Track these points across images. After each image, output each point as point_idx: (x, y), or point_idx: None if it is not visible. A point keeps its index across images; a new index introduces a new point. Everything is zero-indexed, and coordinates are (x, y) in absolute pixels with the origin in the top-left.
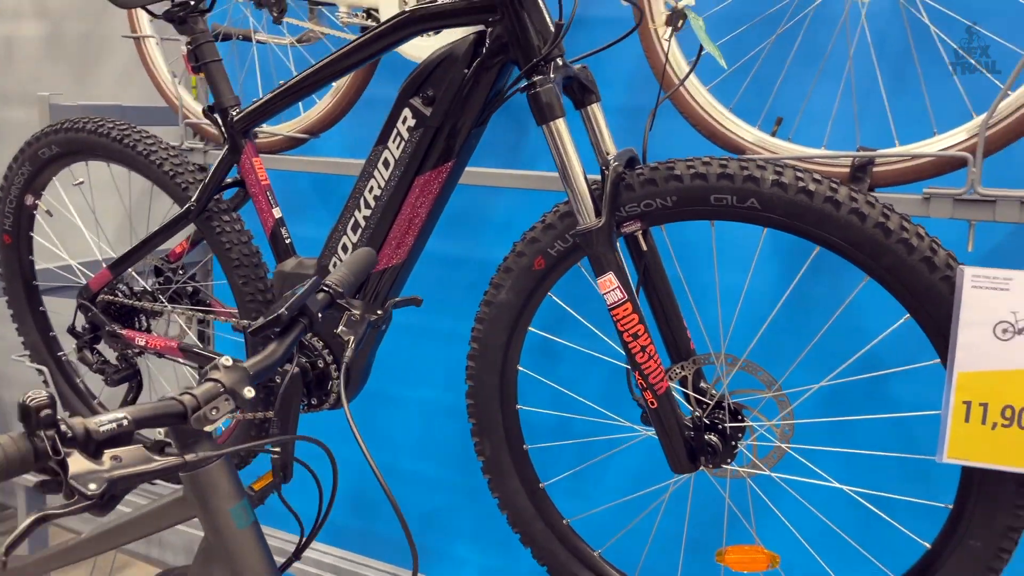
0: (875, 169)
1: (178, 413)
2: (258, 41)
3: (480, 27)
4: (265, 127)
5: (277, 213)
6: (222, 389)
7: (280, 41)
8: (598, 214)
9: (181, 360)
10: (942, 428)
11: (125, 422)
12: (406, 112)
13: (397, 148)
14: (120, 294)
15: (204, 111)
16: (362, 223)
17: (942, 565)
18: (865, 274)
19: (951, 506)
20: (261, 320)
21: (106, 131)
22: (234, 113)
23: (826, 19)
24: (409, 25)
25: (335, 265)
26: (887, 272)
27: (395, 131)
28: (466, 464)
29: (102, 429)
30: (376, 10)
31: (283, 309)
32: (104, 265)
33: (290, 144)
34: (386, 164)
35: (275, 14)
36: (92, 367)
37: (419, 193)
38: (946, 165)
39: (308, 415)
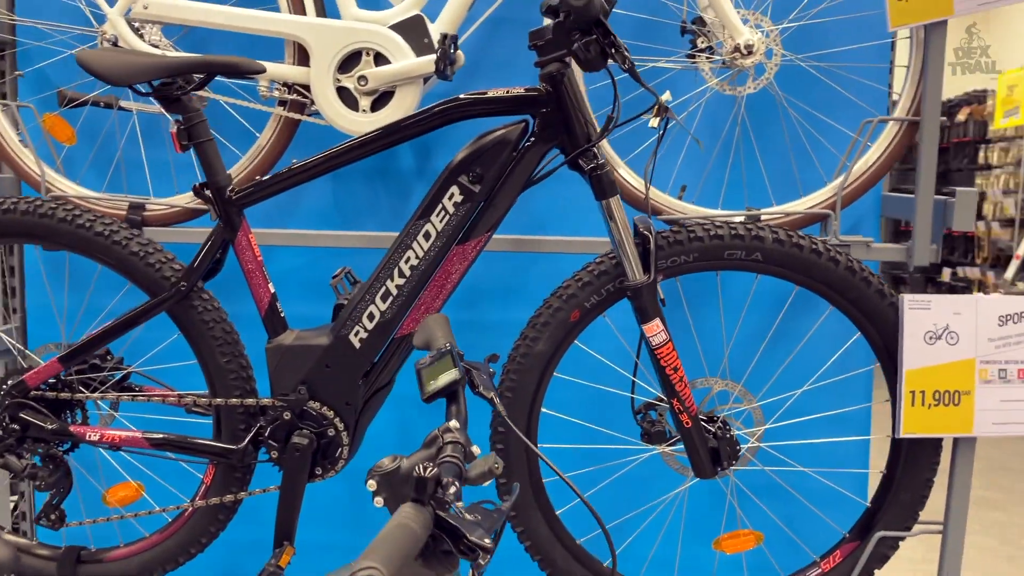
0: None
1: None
2: (122, 108)
3: (525, 116)
4: (159, 199)
5: (271, 288)
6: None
7: (149, 109)
8: (646, 271)
9: (146, 451)
10: (896, 412)
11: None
12: (454, 189)
13: (441, 221)
14: (54, 388)
15: (196, 188)
16: (394, 292)
17: (882, 517)
18: (830, 305)
19: (884, 471)
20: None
21: (48, 212)
22: (231, 191)
23: (720, 106)
24: (455, 112)
25: (357, 334)
26: (850, 303)
27: (440, 206)
28: None
29: None
30: (303, 86)
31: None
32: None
33: (189, 215)
34: (427, 236)
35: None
36: (22, 474)
37: (455, 261)
38: (813, 218)
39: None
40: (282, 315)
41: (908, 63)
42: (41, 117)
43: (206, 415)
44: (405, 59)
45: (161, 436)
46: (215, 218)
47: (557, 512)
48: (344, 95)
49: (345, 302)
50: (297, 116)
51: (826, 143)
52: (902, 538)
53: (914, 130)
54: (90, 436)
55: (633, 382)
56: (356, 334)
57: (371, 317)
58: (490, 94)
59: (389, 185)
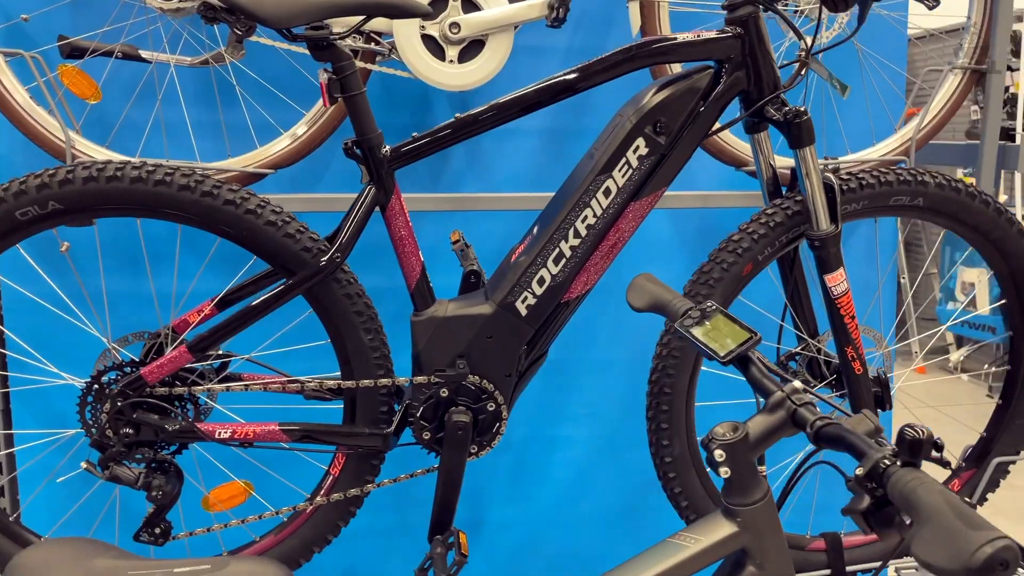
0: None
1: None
2: (143, 59)
3: (710, 64)
4: (209, 164)
5: (422, 257)
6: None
7: (181, 61)
8: (832, 220)
9: (283, 445)
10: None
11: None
12: (639, 141)
13: (623, 176)
14: (179, 382)
15: (346, 147)
16: (567, 254)
17: (996, 444)
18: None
19: (1000, 401)
20: None
21: (165, 179)
22: (386, 150)
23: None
24: (644, 57)
25: (524, 300)
26: (992, 243)
27: (623, 160)
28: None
29: None
30: (379, 33)
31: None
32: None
33: (246, 180)
34: (607, 192)
35: (240, 31)
36: (136, 485)
37: (630, 219)
38: (887, 165)
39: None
40: (431, 285)
41: (970, 14)
42: (56, 70)
43: (327, 400)
44: (497, 5)
45: (299, 427)
46: (366, 180)
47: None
48: (428, 44)
49: (475, 267)
50: (370, 66)
51: (899, 92)
52: (1014, 462)
53: (976, 78)
54: (220, 434)
55: (780, 329)
56: (523, 301)
57: (541, 282)
58: (680, 38)
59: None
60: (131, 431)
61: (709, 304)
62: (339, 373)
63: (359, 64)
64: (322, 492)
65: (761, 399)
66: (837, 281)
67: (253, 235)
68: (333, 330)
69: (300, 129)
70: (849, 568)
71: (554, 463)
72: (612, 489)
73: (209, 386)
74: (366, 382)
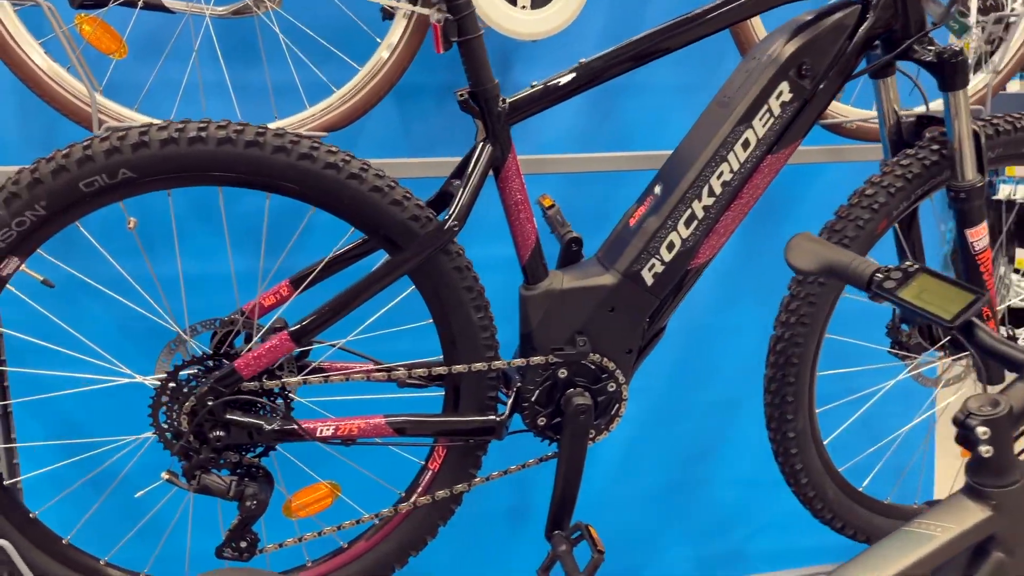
0: None
1: None
2: (167, 10)
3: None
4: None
5: (535, 224)
6: None
7: (212, 12)
8: (979, 171)
9: (388, 441)
10: None
11: None
12: (783, 86)
13: (763, 126)
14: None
15: (460, 98)
16: (700, 215)
17: None
18: None
19: None
20: None
21: (256, 140)
22: (503, 103)
23: None
24: None
25: (651, 268)
26: None
27: (765, 107)
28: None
29: None
30: None
31: None
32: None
33: None
34: (746, 144)
35: None
36: (229, 495)
37: (765, 174)
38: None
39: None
40: (544, 257)
41: None
42: (72, 20)
43: (422, 388)
44: None
45: (408, 420)
46: (482, 137)
47: (825, 441)
48: None
49: (575, 234)
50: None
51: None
52: None
53: None
54: (322, 431)
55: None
56: (651, 268)
57: (671, 247)
58: None
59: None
60: (221, 433)
61: (910, 263)
62: (431, 358)
63: (419, 10)
64: (420, 489)
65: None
66: (979, 236)
67: (356, 203)
68: (439, 308)
69: (355, 86)
70: None
71: (601, 442)
72: (660, 465)
73: (305, 377)
74: (479, 365)
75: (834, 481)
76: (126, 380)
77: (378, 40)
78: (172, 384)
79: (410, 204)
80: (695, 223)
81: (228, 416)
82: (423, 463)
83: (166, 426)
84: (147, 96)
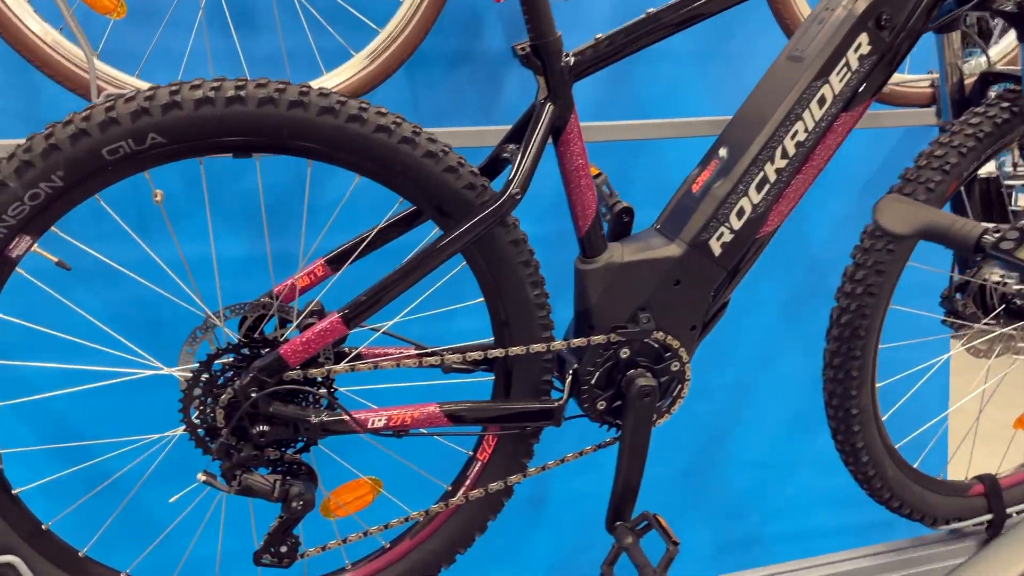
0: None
1: None
2: None
3: None
4: None
5: (595, 194)
6: None
7: None
8: None
9: (441, 431)
10: None
11: None
12: (862, 38)
13: (840, 81)
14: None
15: (521, 53)
16: (772, 178)
17: None
18: None
19: None
20: None
21: (302, 99)
22: (567, 57)
23: None
24: None
25: (720, 237)
26: None
27: (843, 61)
28: None
29: None
30: None
31: None
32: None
33: None
34: (822, 101)
35: None
36: (273, 496)
37: (838, 134)
38: None
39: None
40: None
41: None
42: None
43: (467, 373)
44: None
45: (461, 407)
46: (544, 95)
47: (884, 416)
48: None
49: (626, 204)
50: None
51: None
52: None
53: None
54: (373, 423)
55: (955, 258)
56: (719, 238)
57: (740, 214)
58: None
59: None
60: (264, 428)
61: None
62: (481, 340)
63: None
64: (469, 482)
65: None
66: None
67: (407, 171)
68: (493, 285)
69: (375, 51)
70: (1009, 509)
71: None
72: (676, 449)
73: (353, 364)
74: (538, 346)
75: (892, 458)
76: (150, 372)
77: None
78: (205, 375)
79: (465, 171)
80: (767, 187)
81: (272, 409)
82: (471, 453)
83: (198, 422)
84: (148, 63)
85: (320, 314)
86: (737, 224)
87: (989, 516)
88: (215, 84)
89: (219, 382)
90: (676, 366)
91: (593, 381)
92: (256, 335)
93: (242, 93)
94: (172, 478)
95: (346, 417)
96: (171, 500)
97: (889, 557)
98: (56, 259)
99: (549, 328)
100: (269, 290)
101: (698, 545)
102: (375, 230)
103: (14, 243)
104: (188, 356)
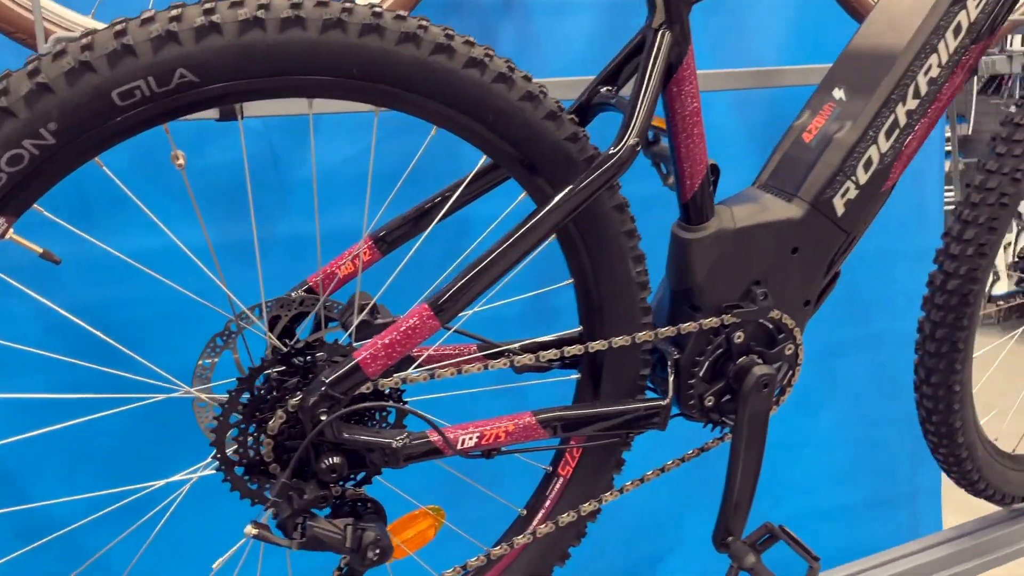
0: None
1: None
2: None
3: None
4: None
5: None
6: None
7: None
8: None
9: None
10: None
11: None
12: None
13: (977, 7)
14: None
15: None
16: (903, 121)
17: None
18: None
19: None
20: None
21: (388, 27)
22: None
23: None
24: None
25: (845, 193)
26: None
27: None
28: None
29: None
30: None
31: None
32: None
33: None
34: (957, 31)
35: None
36: (346, 545)
37: (961, 73)
38: None
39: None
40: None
41: None
42: None
43: (542, 372)
44: None
45: (557, 414)
46: (660, 20)
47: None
48: None
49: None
50: None
51: None
52: None
53: None
54: (464, 441)
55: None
56: (844, 194)
57: (868, 165)
58: None
59: None
60: (335, 460)
61: None
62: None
63: None
64: (549, 503)
65: None
66: None
67: (500, 117)
68: (589, 261)
69: None
70: None
71: None
72: (676, 442)
73: (433, 369)
74: (644, 335)
75: (980, 437)
76: (165, 396)
77: None
78: (247, 395)
79: (566, 119)
80: (896, 132)
81: (346, 435)
82: (548, 469)
83: (238, 456)
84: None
85: (374, 311)
86: (864, 177)
87: None
88: (263, 1)
89: (264, 403)
90: (790, 349)
91: (701, 373)
92: (296, 341)
93: (299, 13)
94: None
95: (436, 438)
96: (215, 567)
97: (963, 543)
98: (41, 250)
99: (649, 312)
100: (300, 281)
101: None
102: (455, 191)
103: None
104: (205, 372)
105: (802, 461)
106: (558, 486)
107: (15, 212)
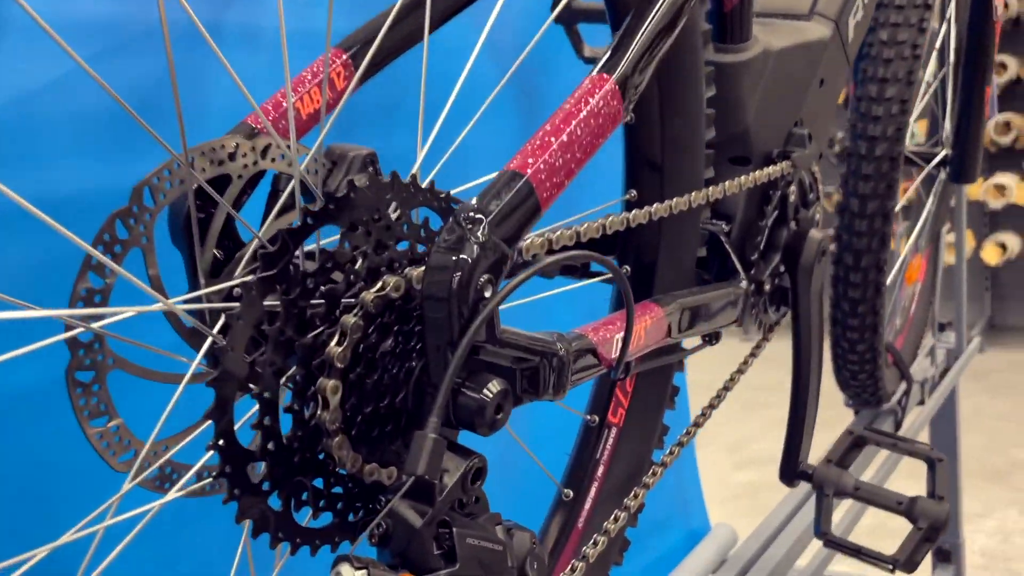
0: None
1: None
2: None
3: None
4: None
5: None
6: None
7: None
8: None
9: None
10: None
11: None
12: None
13: None
14: None
15: None
16: None
17: None
18: None
19: None
20: None
21: None
22: None
23: None
24: None
25: (855, 13)
26: None
27: None
28: None
29: None
30: None
31: None
32: None
33: None
34: None
35: None
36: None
37: None
38: None
39: None
40: None
41: None
42: None
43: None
44: None
45: (679, 302)
46: None
47: None
48: None
49: None
50: None
51: None
52: None
53: None
54: (614, 351)
55: None
56: (855, 14)
57: None
58: None
59: None
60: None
61: None
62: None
63: None
64: (603, 469)
65: None
66: None
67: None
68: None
69: None
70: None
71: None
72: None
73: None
74: (698, 195)
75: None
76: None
77: None
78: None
79: None
80: None
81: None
82: (594, 418)
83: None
84: None
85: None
86: None
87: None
88: None
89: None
90: (819, 212)
91: (762, 245)
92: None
93: None
94: None
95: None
96: None
97: None
98: None
99: (710, 166)
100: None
101: None
102: None
103: None
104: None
105: None
106: (612, 438)
107: None
